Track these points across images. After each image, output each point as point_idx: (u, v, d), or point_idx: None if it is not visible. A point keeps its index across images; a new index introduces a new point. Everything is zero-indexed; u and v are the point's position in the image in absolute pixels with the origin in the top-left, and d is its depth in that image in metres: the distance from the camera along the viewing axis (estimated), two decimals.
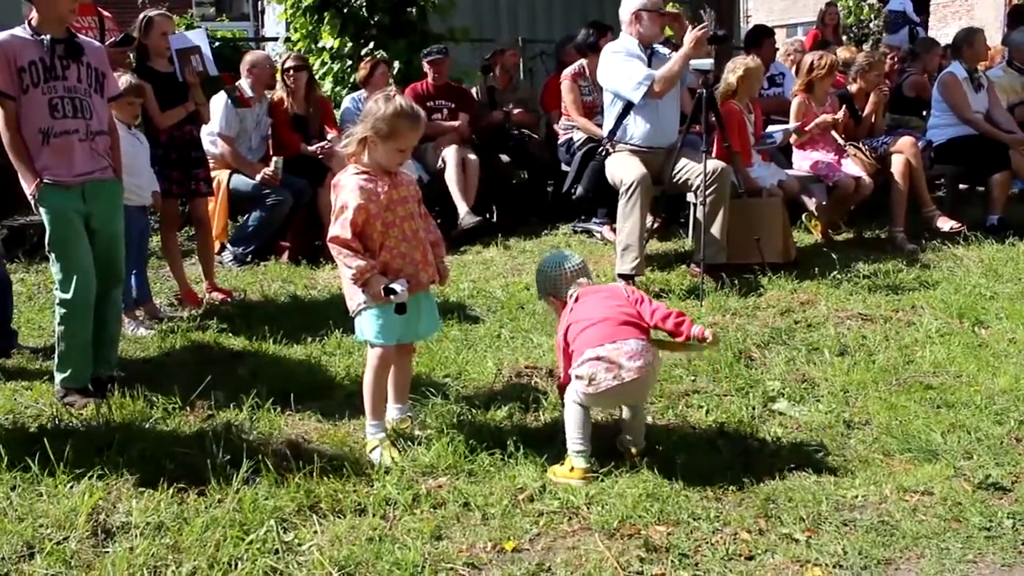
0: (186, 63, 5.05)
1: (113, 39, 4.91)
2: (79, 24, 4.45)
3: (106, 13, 5.36)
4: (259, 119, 6.42)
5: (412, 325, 3.23)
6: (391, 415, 3.37)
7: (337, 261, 3.12)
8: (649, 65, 5.39)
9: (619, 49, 5.48)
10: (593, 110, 6.73)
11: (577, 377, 2.94)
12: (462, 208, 6.75)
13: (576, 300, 3.12)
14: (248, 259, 6.19)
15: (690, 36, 5.19)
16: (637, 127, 5.47)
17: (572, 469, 2.95)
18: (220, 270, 5.86)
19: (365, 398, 3.20)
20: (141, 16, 5.13)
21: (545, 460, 3.06)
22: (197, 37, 5.19)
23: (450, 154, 6.88)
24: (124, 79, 4.61)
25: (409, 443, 3.22)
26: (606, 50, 5.57)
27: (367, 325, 3.15)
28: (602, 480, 2.92)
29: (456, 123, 7.21)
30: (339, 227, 3.04)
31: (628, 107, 5.45)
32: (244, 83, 6.19)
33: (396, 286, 3.02)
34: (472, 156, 7.02)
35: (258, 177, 6.14)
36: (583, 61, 6.84)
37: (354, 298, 3.14)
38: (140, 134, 4.88)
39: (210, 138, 6.04)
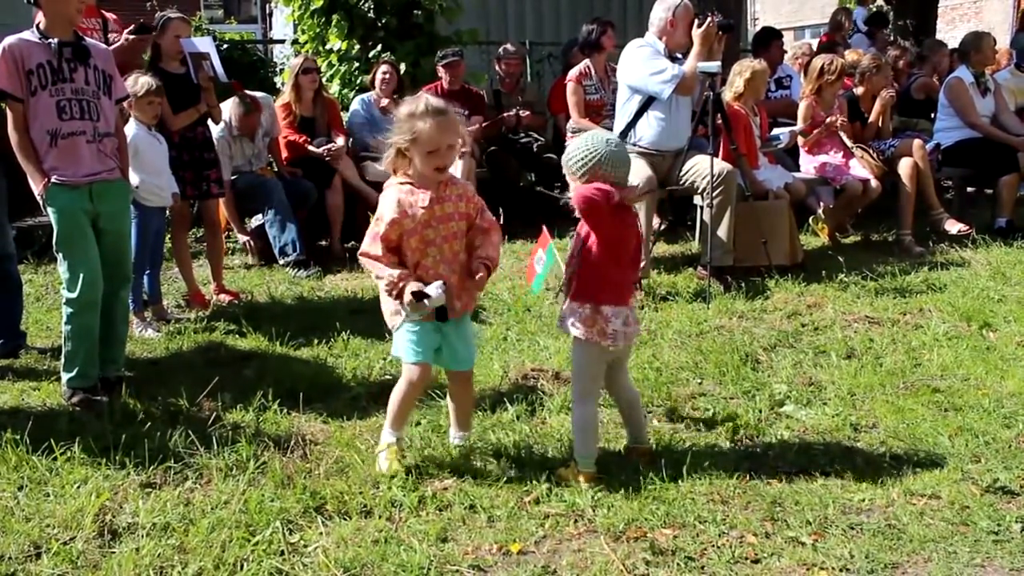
0: (199, 66, 5.07)
1: (131, 27, 4.88)
2: (84, 26, 4.46)
3: (110, 15, 5.37)
4: (258, 152, 6.37)
5: (449, 350, 3.04)
6: (452, 440, 3.22)
7: (370, 272, 2.98)
8: None
9: (646, 45, 5.47)
10: (600, 109, 6.72)
11: (604, 331, 2.87)
12: None
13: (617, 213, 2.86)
14: (303, 258, 5.99)
15: (697, 34, 5.19)
16: (648, 129, 5.46)
17: (578, 473, 2.95)
18: (228, 273, 5.87)
19: (390, 406, 3.08)
20: (158, 15, 5.16)
21: (551, 462, 3.06)
22: (205, 45, 5.20)
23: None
24: (143, 80, 4.62)
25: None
26: (631, 46, 5.54)
27: (399, 341, 3.02)
28: (608, 483, 2.91)
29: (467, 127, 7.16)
30: (370, 242, 2.89)
31: (643, 108, 5.45)
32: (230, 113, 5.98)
33: (430, 290, 2.82)
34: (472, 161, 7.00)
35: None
36: (587, 61, 6.83)
37: (387, 311, 3.02)
38: (160, 136, 4.88)
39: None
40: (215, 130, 5.57)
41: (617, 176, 2.83)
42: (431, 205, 2.88)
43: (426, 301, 2.82)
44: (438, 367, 3.19)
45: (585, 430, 2.97)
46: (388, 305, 3.01)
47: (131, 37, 4.70)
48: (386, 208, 2.88)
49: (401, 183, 2.92)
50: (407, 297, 2.83)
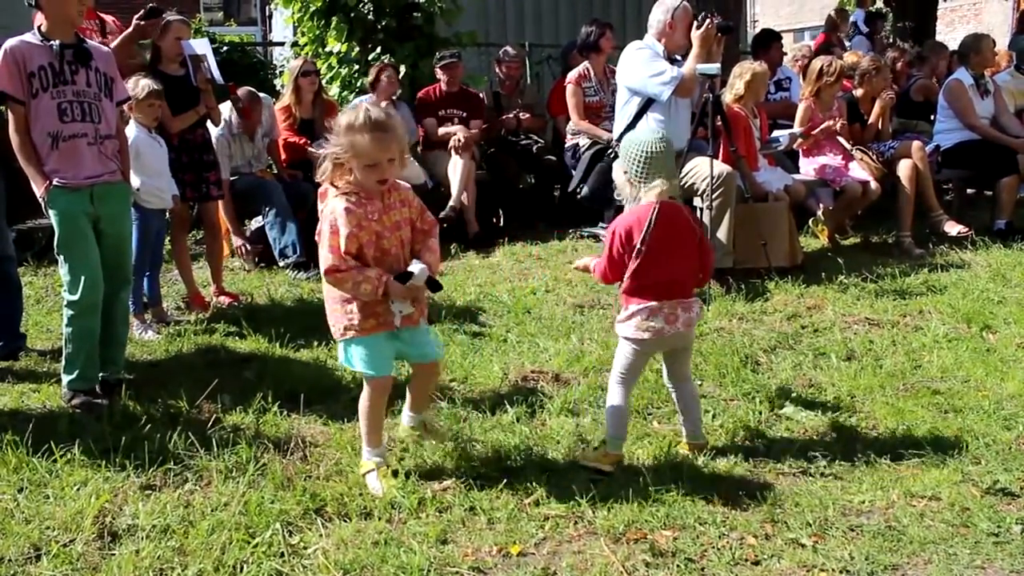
0: (197, 68, 5.06)
1: (142, 12, 4.85)
2: (83, 27, 4.45)
3: (107, 17, 5.37)
4: (258, 152, 6.35)
5: (415, 348, 3.05)
6: (404, 421, 3.28)
7: (339, 291, 2.88)
8: None
9: (645, 47, 5.47)
10: (600, 111, 6.72)
11: (637, 327, 2.99)
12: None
13: (660, 213, 2.95)
14: (303, 260, 5.93)
15: (696, 35, 5.19)
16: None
17: (605, 455, 3.03)
18: (228, 275, 5.87)
19: (361, 425, 3.05)
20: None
21: (551, 464, 3.06)
22: (202, 47, 5.20)
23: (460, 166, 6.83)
24: (144, 82, 4.62)
25: (415, 448, 3.21)
26: (630, 48, 5.55)
27: (356, 356, 2.94)
28: (608, 484, 2.91)
29: (469, 130, 7.07)
30: (335, 259, 2.78)
31: (642, 109, 5.45)
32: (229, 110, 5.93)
33: (412, 268, 2.83)
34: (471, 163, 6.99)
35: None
36: (586, 63, 6.83)
37: (337, 324, 2.95)
38: (160, 138, 4.86)
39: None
40: (215, 130, 5.57)
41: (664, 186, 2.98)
42: (381, 216, 2.84)
43: (412, 280, 2.84)
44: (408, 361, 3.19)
45: (614, 414, 3.07)
46: (339, 320, 2.94)
47: (141, 23, 4.69)
48: (340, 222, 2.78)
49: (345, 193, 2.82)
50: (397, 292, 2.82)
